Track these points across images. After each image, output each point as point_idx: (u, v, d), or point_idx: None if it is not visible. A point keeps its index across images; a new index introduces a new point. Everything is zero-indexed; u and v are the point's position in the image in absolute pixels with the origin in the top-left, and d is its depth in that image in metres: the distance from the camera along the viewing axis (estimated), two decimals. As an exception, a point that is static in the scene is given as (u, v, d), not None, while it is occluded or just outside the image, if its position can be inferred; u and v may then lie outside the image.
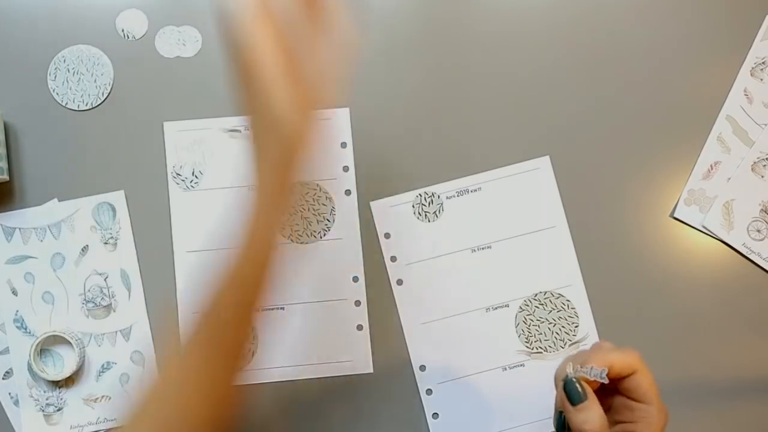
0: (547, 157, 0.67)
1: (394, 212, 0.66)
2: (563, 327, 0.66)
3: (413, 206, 0.66)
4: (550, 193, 0.67)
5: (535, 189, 0.67)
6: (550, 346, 0.65)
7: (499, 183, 0.67)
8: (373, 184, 0.66)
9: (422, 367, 0.65)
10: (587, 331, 0.66)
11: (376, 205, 0.66)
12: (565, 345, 0.66)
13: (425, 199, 0.66)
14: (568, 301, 0.66)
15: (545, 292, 0.66)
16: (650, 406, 0.47)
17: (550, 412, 0.49)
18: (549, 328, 0.66)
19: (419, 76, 0.67)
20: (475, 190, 0.67)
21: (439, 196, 0.66)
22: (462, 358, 0.65)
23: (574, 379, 0.46)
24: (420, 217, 0.66)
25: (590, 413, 0.45)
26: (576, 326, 0.66)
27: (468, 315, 0.66)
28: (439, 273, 0.66)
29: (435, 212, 0.66)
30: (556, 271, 0.66)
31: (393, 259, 0.66)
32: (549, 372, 0.64)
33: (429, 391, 0.65)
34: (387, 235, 0.66)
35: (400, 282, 0.66)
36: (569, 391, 0.46)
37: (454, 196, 0.66)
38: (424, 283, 0.66)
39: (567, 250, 0.66)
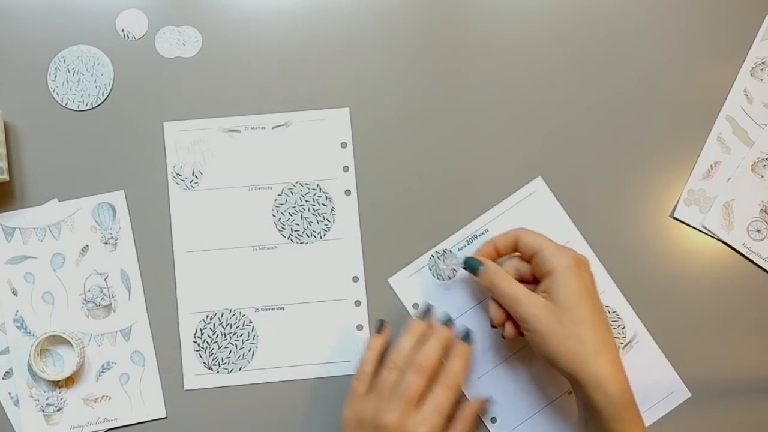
0: (540, 178, 0.66)
1: (412, 282, 0.65)
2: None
3: (429, 269, 0.66)
4: (555, 210, 0.66)
5: (538, 211, 0.66)
6: None
7: (503, 219, 0.66)
8: (373, 184, 0.67)
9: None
10: (636, 329, 0.65)
11: (394, 281, 0.65)
12: (619, 349, 0.64)
13: (439, 257, 0.66)
14: (607, 306, 0.65)
15: None
16: (542, 251, 0.57)
17: None
18: None
19: (419, 75, 0.67)
20: (483, 233, 0.66)
21: (451, 251, 0.65)
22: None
23: (459, 252, 0.63)
24: (439, 278, 0.65)
25: (491, 271, 0.59)
26: (623, 327, 0.65)
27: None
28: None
29: (452, 268, 0.65)
30: None
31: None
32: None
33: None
34: (415, 306, 0.65)
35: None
36: (469, 263, 0.61)
37: (465, 246, 0.65)
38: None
39: (590, 259, 0.65)
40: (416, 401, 0.57)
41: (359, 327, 0.65)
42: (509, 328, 0.59)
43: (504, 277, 0.58)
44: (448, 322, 0.62)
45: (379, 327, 0.63)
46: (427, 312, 0.63)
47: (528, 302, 0.56)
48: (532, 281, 0.60)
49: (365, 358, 0.61)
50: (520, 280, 0.60)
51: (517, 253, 0.61)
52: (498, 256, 0.62)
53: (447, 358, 0.60)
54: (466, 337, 0.62)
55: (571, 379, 0.55)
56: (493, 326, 0.60)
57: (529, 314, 0.56)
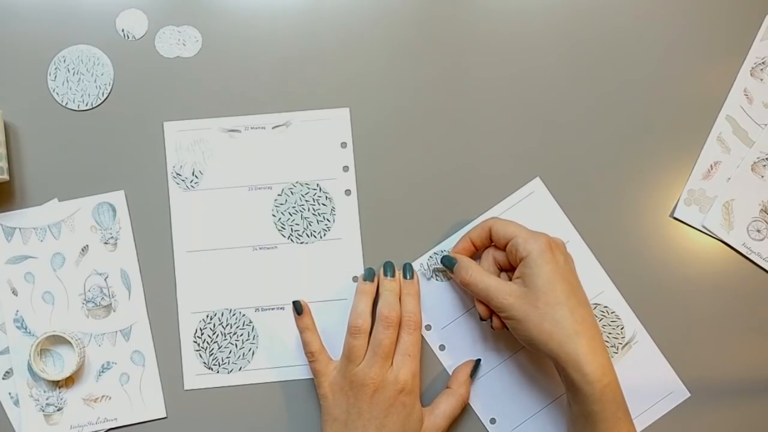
0: (538, 179, 0.66)
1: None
2: (610, 333, 0.65)
3: (427, 269, 0.65)
4: (553, 211, 0.66)
5: (536, 212, 0.66)
6: None
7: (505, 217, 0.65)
8: (373, 184, 0.67)
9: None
10: (635, 329, 0.65)
11: None
12: (618, 350, 0.65)
13: (436, 258, 0.65)
14: (605, 307, 0.65)
15: None
16: (515, 238, 0.58)
17: None
18: None
19: (419, 75, 0.67)
20: None
21: (443, 252, 0.65)
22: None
23: (444, 252, 0.64)
24: (438, 279, 0.66)
25: (462, 267, 0.60)
26: (622, 328, 0.65)
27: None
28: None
29: (434, 268, 0.65)
30: (585, 282, 0.60)
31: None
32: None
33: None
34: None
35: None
36: (444, 262, 0.62)
37: None
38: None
39: (588, 259, 0.66)
40: (392, 353, 0.59)
41: (359, 327, 0.65)
42: (495, 319, 0.60)
43: (476, 271, 0.59)
44: (388, 272, 0.63)
45: (299, 308, 0.64)
46: (371, 274, 0.63)
47: (500, 292, 0.57)
48: (511, 269, 0.60)
49: (305, 341, 0.63)
50: (501, 268, 0.61)
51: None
52: (476, 249, 0.63)
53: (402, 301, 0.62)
54: (410, 274, 0.63)
55: (553, 360, 0.56)
56: (482, 319, 0.61)
57: (503, 303, 0.57)
